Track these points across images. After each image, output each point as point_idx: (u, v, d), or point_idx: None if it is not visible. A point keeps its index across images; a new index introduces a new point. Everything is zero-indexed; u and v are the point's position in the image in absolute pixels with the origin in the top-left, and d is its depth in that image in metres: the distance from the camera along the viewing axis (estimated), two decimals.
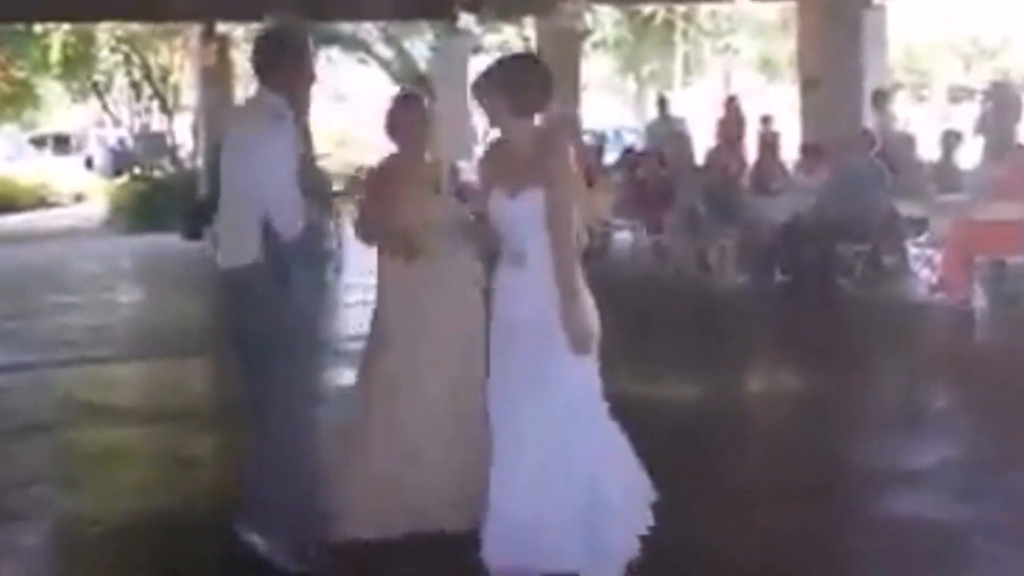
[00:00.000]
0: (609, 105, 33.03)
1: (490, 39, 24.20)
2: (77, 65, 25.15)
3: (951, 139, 12.53)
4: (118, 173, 26.34)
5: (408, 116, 5.22)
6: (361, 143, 32.67)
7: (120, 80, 26.51)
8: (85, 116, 33.31)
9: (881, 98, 14.84)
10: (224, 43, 20.30)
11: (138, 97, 26.05)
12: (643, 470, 4.53)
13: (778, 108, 19.56)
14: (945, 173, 12.04)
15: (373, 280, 5.32)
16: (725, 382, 8.33)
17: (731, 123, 18.12)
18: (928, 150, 13.14)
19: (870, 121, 14.28)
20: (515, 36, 24.92)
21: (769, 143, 14.98)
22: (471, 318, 5.12)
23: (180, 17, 19.05)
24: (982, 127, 14.84)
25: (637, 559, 4.39)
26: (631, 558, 4.38)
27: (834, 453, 6.34)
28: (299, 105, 4.87)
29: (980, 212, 10.18)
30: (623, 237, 14.49)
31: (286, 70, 4.75)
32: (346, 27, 25.53)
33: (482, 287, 5.10)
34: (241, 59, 20.85)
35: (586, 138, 18.95)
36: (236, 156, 4.74)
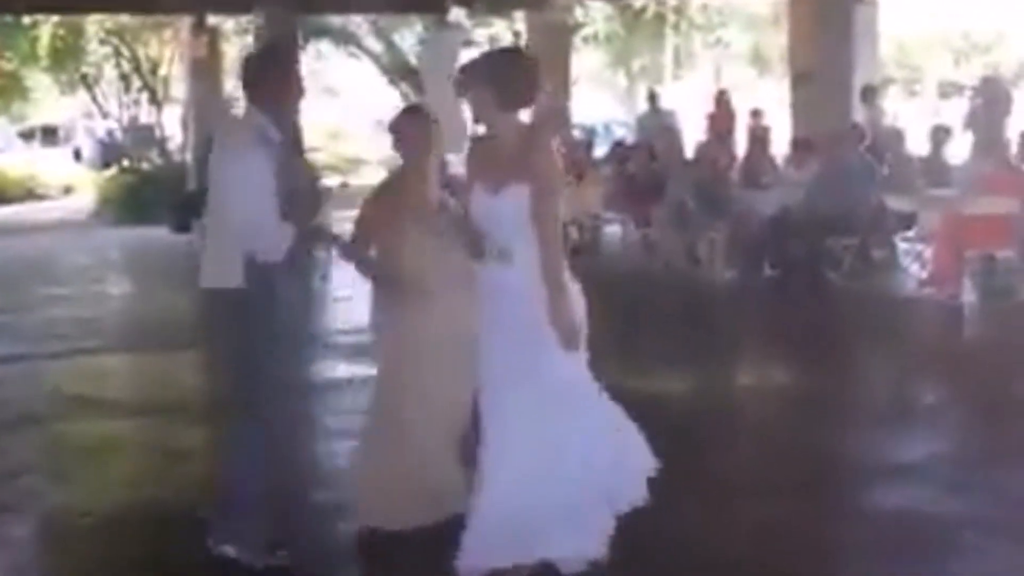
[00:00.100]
0: (600, 99, 33.01)
1: (480, 33, 24.17)
2: (66, 57, 25.03)
3: (941, 134, 12.55)
4: (107, 165, 26.29)
5: (414, 130, 5.14)
6: (352, 136, 32.75)
7: (109, 72, 26.42)
8: (74, 108, 33.18)
9: (870, 93, 14.86)
10: (214, 35, 20.26)
11: (127, 89, 25.94)
12: (642, 441, 4.46)
13: (768, 102, 19.60)
14: (935, 168, 12.06)
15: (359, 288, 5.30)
16: (714, 376, 8.35)
17: (721, 117, 18.15)
18: (918, 145, 13.15)
19: (860, 116, 14.30)
20: (506, 30, 24.89)
21: (759, 137, 15.01)
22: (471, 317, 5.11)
23: (170, 9, 19.01)
24: (972, 122, 14.85)
25: (625, 554, 4.39)
26: (609, 535, 4.35)
27: (823, 447, 6.35)
28: (287, 120, 4.91)
29: (969, 207, 10.22)
30: (613, 231, 14.43)
31: (274, 89, 4.76)
32: (336, 20, 25.48)
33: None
34: (231, 51, 20.83)
35: (576, 132, 18.96)
36: (221, 179, 4.73)
